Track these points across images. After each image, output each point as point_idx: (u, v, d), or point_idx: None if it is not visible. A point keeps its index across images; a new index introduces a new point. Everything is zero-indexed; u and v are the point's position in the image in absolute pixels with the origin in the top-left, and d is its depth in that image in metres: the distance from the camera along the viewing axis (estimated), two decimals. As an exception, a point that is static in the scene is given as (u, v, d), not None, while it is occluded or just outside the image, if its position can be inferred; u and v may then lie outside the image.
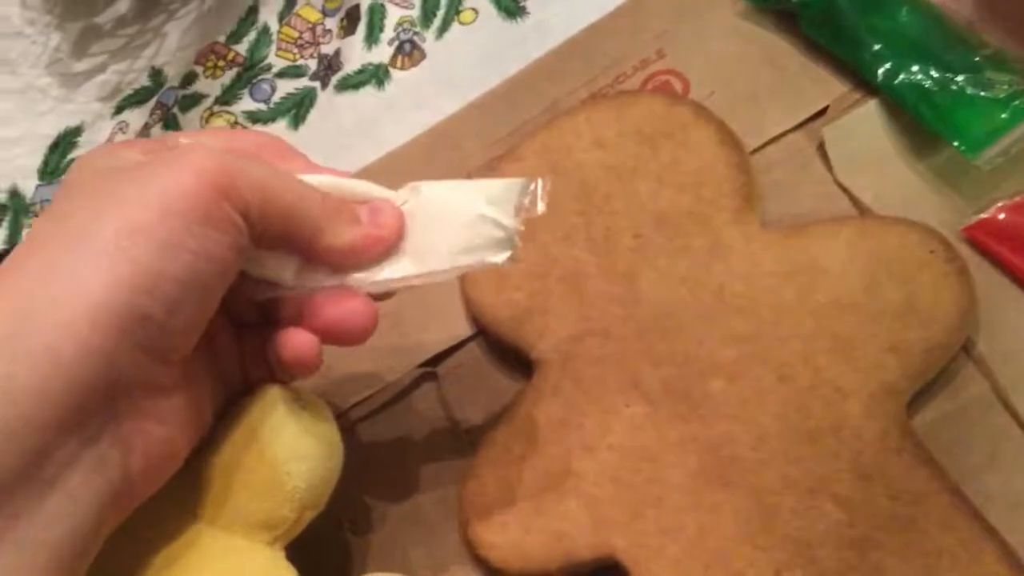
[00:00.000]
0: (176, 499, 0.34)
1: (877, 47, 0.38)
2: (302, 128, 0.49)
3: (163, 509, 0.33)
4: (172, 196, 0.27)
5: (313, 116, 0.49)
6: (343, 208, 0.32)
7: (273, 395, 0.34)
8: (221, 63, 0.52)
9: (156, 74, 0.53)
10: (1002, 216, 0.36)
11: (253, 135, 0.34)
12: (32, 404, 0.25)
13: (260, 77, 0.50)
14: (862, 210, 0.38)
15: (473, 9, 0.48)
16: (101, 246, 0.26)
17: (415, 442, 0.41)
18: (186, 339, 0.29)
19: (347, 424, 0.41)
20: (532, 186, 0.32)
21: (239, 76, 0.51)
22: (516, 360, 0.40)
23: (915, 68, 0.37)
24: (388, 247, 0.32)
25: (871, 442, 0.33)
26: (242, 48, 0.51)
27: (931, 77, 0.37)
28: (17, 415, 0.25)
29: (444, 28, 0.48)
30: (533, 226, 0.39)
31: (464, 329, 0.41)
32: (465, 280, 0.41)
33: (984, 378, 0.34)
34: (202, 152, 0.28)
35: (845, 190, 0.38)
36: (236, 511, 0.33)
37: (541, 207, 0.32)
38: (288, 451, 0.34)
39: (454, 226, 0.32)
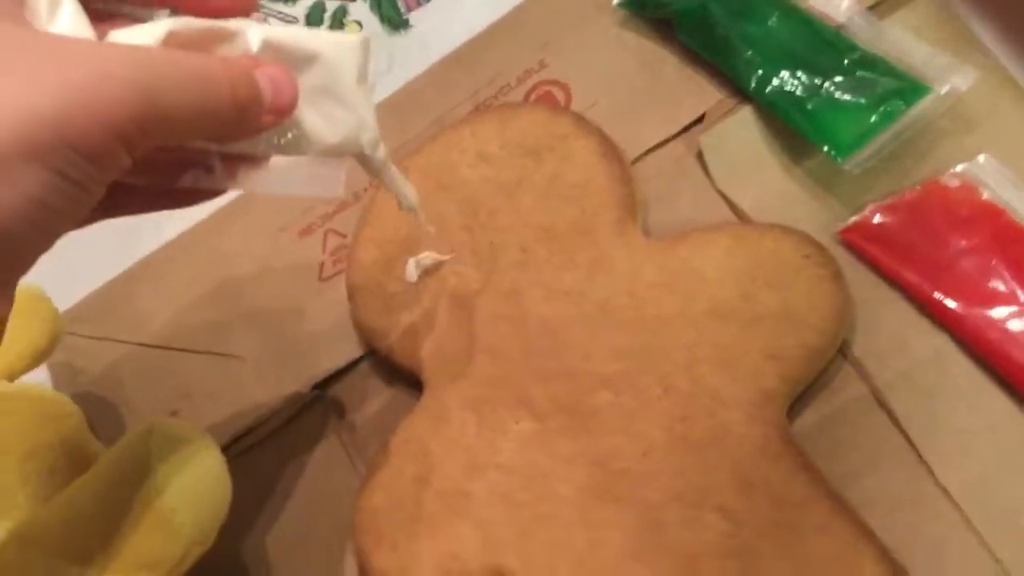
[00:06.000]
0: (58, 542, 0.33)
1: (749, 54, 0.38)
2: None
3: (44, 555, 0.33)
4: (70, 126, 0.22)
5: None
6: (250, 94, 0.26)
7: (155, 429, 0.34)
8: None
9: None
10: (875, 218, 0.36)
11: None
12: None
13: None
14: (741, 216, 0.38)
15: (357, 22, 0.48)
16: None
17: (308, 467, 0.40)
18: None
19: (237, 453, 0.40)
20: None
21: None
22: (407, 380, 0.40)
23: (786, 74, 0.37)
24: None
25: (752, 450, 0.33)
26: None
27: (801, 82, 0.37)
28: None
29: (328, 42, 0.48)
30: (422, 245, 0.39)
31: (355, 350, 0.41)
32: (354, 300, 0.40)
33: (861, 380, 0.35)
34: (119, 81, 0.23)
35: (724, 197, 0.39)
36: (120, 550, 0.33)
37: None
38: (173, 487, 0.33)
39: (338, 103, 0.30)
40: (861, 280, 0.36)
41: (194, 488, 0.34)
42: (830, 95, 0.37)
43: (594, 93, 0.42)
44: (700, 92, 0.40)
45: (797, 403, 0.35)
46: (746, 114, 0.39)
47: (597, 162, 0.39)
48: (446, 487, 0.36)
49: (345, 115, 0.30)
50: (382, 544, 0.36)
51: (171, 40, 0.26)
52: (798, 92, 0.37)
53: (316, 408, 0.41)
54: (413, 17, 0.47)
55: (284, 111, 0.27)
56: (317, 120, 0.29)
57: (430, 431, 0.37)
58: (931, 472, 0.33)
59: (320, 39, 0.29)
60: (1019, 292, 0.34)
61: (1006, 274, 0.34)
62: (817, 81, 0.37)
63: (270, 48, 0.28)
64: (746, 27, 0.39)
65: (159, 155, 0.27)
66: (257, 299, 0.43)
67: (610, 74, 0.42)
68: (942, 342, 0.34)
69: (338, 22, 0.48)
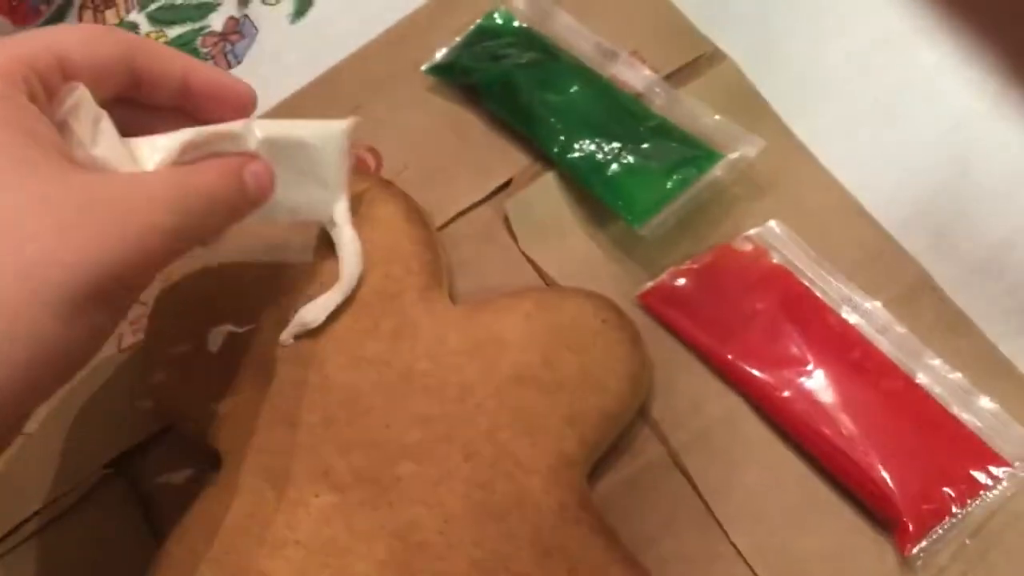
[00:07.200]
0: None
1: (552, 121, 0.39)
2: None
3: None
4: (127, 273, 0.27)
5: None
6: (240, 194, 0.32)
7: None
8: None
9: None
10: (672, 282, 0.37)
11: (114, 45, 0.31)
12: None
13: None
14: (547, 281, 0.39)
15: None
16: None
17: (101, 549, 0.38)
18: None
19: (23, 538, 0.38)
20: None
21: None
22: (208, 454, 0.38)
23: (586, 141, 0.38)
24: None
25: (550, 515, 0.33)
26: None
27: (601, 149, 0.38)
28: None
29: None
30: (222, 313, 0.38)
31: (153, 424, 0.39)
32: (151, 371, 0.39)
33: (660, 442, 0.35)
34: (160, 232, 0.28)
35: (531, 261, 0.39)
36: None
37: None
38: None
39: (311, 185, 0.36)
40: (660, 343, 0.37)
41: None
42: (628, 162, 0.37)
43: (404, 157, 0.42)
44: (507, 157, 0.41)
45: (599, 466, 0.35)
46: (550, 180, 0.40)
47: (402, 227, 0.38)
48: (241, 566, 0.34)
49: (321, 191, 0.36)
50: (172, 630, 0.34)
51: (187, 146, 0.31)
52: (598, 158, 0.38)
53: (111, 486, 0.39)
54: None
55: (263, 202, 0.33)
56: (297, 195, 0.35)
57: (226, 507, 0.35)
58: (725, 532, 0.33)
59: (308, 128, 0.35)
60: (807, 353, 0.35)
61: (795, 335, 0.35)
62: (615, 148, 0.38)
63: (266, 142, 0.33)
64: (548, 95, 0.39)
65: None
66: (48, 372, 0.40)
67: (420, 139, 0.42)
68: (735, 403, 0.35)
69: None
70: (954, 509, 0.32)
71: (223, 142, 0.32)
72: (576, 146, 0.38)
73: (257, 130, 0.33)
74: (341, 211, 0.37)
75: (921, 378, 0.34)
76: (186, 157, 0.31)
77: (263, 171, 0.32)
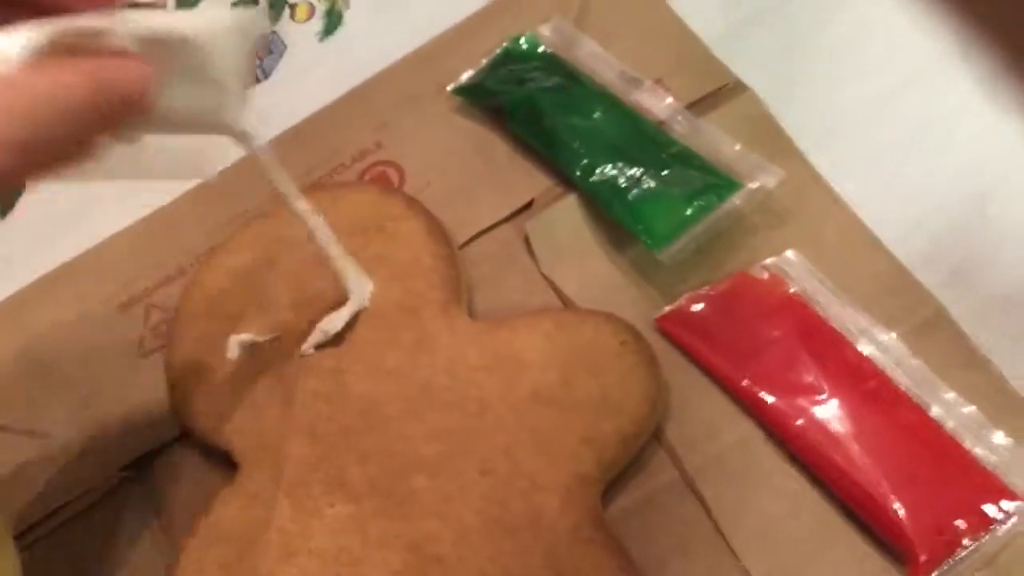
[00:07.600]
0: None
1: (575, 144, 0.39)
2: (9, 217, 0.46)
3: None
4: None
5: (20, 204, 0.46)
6: (106, 98, 0.27)
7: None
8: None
9: None
10: (690, 307, 0.37)
11: None
12: None
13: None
14: (566, 302, 0.39)
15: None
16: None
17: (115, 552, 0.38)
18: None
19: (39, 536, 0.38)
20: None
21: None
22: (225, 460, 0.38)
23: (608, 166, 0.39)
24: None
25: (564, 535, 0.33)
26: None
27: (623, 174, 0.38)
28: None
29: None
30: (244, 321, 0.38)
31: (171, 429, 0.39)
32: (172, 378, 0.39)
33: (674, 465, 0.36)
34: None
35: (550, 282, 0.39)
36: None
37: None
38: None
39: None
40: (676, 367, 0.37)
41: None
42: (649, 187, 0.38)
43: (427, 175, 0.43)
44: (530, 178, 0.41)
45: (612, 487, 0.35)
46: (571, 201, 0.40)
47: (424, 242, 0.39)
48: (253, 573, 0.35)
49: (216, 96, 0.31)
50: (183, 636, 0.34)
51: (41, 45, 0.26)
52: (619, 183, 0.38)
53: (128, 489, 0.39)
54: (253, 93, 0.47)
55: (138, 107, 0.28)
56: (188, 102, 0.30)
57: (240, 514, 0.36)
58: (737, 558, 0.34)
59: (189, 21, 0.29)
60: (823, 382, 0.35)
61: (811, 364, 0.36)
62: (637, 173, 0.38)
63: (139, 41, 0.28)
64: (572, 119, 0.40)
65: None
66: (70, 373, 0.41)
67: (444, 157, 0.43)
68: (749, 429, 0.35)
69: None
70: (965, 542, 0.32)
71: (85, 40, 0.27)
72: (598, 170, 0.39)
73: (129, 25, 0.28)
74: (248, 121, 0.33)
75: (935, 411, 0.34)
76: (40, 57, 0.26)
77: (133, 71, 0.27)
